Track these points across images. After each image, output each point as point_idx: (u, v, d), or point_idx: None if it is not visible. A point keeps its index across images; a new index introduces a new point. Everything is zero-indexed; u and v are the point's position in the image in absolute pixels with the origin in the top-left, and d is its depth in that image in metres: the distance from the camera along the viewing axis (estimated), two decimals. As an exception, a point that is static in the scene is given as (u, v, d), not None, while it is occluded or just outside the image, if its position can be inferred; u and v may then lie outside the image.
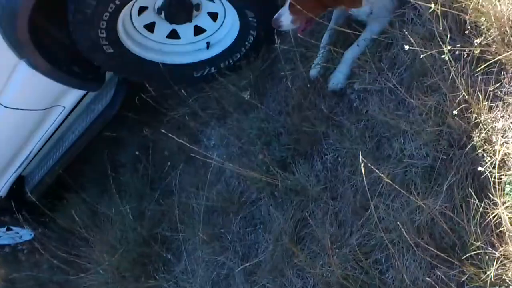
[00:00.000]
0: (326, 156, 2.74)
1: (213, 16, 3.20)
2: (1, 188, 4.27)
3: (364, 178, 2.13)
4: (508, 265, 1.89)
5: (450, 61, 2.04)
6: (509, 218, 1.92)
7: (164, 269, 3.40)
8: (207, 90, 3.42)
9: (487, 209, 1.96)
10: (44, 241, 4.25)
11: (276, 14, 2.56)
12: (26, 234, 4.97)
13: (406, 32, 2.14)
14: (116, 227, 3.71)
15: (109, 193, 3.91)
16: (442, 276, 2.02)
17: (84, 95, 3.63)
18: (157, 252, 3.43)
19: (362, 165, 2.01)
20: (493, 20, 2.07)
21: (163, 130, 2.95)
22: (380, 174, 2.06)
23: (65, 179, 4.14)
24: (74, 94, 3.51)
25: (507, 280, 1.89)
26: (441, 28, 2.08)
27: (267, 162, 2.84)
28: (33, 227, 4.48)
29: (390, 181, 2.05)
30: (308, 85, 2.78)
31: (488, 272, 1.89)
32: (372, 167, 2.10)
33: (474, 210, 1.99)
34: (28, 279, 4.77)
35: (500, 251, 1.91)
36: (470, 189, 2.05)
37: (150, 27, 3.21)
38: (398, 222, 2.14)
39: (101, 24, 2.94)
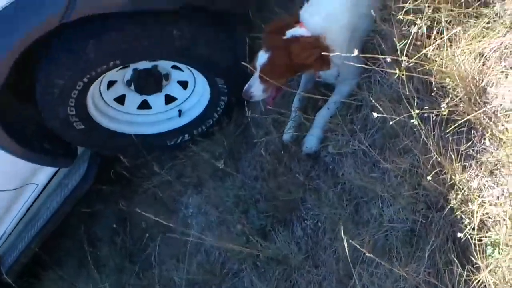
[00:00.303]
0: (306, 222, 2.69)
1: (183, 84, 3.21)
2: (-24, 270, 4.12)
3: (347, 250, 2.07)
4: (497, 332, 1.84)
5: (420, 124, 2.03)
6: (494, 282, 1.88)
7: None
8: (181, 157, 3.38)
9: (471, 274, 1.91)
10: (22, 323, 4.07)
11: (246, 86, 2.52)
12: (4, 316, 4.77)
13: (373, 101, 2.13)
14: (96, 305, 3.59)
15: (87, 268, 3.78)
16: None
17: (57, 171, 3.57)
18: (139, 330, 3.31)
19: (345, 240, 1.95)
20: (458, 80, 2.08)
21: (137, 210, 2.88)
22: (361, 249, 2.00)
23: (41, 256, 4.01)
24: (46, 171, 3.47)
25: None
26: (407, 92, 2.08)
27: (247, 232, 2.79)
28: (11, 309, 4.31)
29: (371, 255, 1.99)
30: (282, 151, 2.76)
31: None
32: (353, 242, 2.04)
33: (458, 275, 1.95)
34: None
35: (488, 318, 1.86)
36: (452, 254, 2.01)
37: (120, 99, 3.20)
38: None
39: (70, 102, 2.91)
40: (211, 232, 3.12)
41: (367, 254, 2.02)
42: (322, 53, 2.36)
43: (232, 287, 2.89)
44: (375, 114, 2.06)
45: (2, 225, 3.71)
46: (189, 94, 3.23)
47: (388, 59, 2.08)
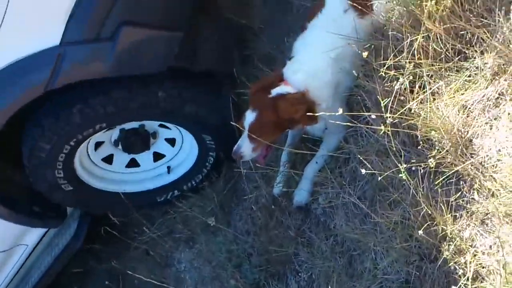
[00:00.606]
0: (300, 275, 2.67)
1: (171, 141, 3.21)
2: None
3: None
4: None
5: (408, 179, 2.04)
6: (493, 335, 1.87)
7: None
8: (171, 213, 3.36)
9: (469, 329, 1.91)
10: None
11: (235, 146, 2.48)
12: None
13: (360, 157, 2.14)
14: None
15: (80, 327, 3.73)
16: None
17: (47, 230, 3.55)
18: None
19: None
20: (443, 133, 2.10)
21: (129, 272, 2.84)
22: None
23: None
24: (36, 232, 3.44)
25: None
26: (394, 147, 2.10)
27: (241, 287, 2.76)
28: None
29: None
30: (273, 205, 2.75)
31: None
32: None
33: (457, 330, 1.94)
34: None
35: None
36: (449, 307, 2.01)
37: (108, 159, 3.19)
38: None
39: (57, 165, 2.92)
40: (205, 287, 3.09)
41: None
42: (309, 108, 2.39)
43: None
44: (363, 171, 2.07)
45: (-7, 288, 3.66)
46: (177, 150, 3.24)
47: (373, 116, 2.10)
